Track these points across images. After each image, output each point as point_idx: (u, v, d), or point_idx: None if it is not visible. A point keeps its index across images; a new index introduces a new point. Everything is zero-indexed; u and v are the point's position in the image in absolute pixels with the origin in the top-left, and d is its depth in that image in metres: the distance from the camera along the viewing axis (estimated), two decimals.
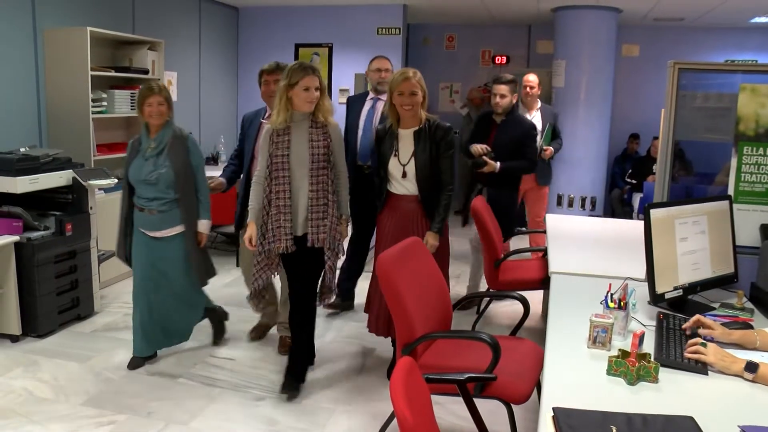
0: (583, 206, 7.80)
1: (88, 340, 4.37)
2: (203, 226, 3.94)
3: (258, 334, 4.49)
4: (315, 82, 3.38)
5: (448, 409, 3.43)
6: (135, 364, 3.96)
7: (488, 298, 4.89)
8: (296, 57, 8.27)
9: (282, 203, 3.44)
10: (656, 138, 8.94)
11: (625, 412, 1.79)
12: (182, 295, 4.00)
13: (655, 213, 2.64)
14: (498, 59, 9.50)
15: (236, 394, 3.68)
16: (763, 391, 2.02)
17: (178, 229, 3.85)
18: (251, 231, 3.53)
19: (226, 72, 8.40)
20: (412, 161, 3.65)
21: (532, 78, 5.97)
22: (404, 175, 3.67)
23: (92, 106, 5.36)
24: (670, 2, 7.11)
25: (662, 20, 8.38)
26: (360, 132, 4.70)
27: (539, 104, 6.03)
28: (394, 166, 3.70)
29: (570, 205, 7.84)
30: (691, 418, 1.76)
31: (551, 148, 5.85)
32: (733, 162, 3.18)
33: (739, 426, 1.70)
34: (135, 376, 3.83)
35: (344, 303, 5.04)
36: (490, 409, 2.76)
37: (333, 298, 3.82)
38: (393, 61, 7.88)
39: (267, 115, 4.04)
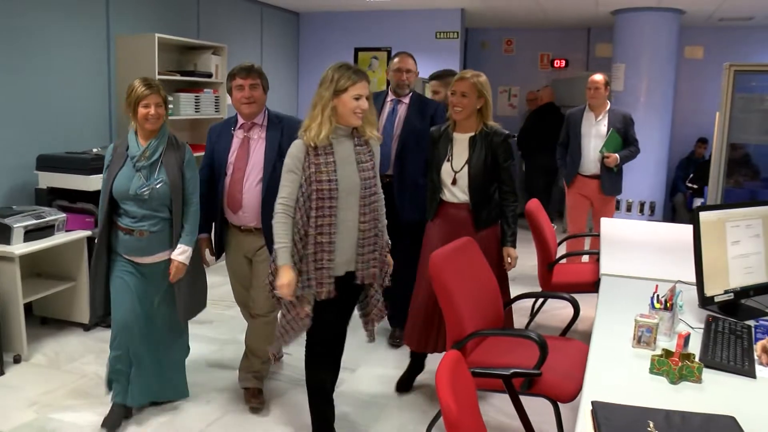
0: (642, 211, 7.70)
1: None
2: (184, 253, 3.23)
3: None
4: (367, 89, 2.84)
5: (496, 407, 3.48)
6: (115, 418, 3.30)
7: (541, 301, 4.90)
8: (356, 61, 8.41)
9: (326, 239, 2.81)
10: (700, 140, 8.78)
11: (664, 408, 1.83)
12: (167, 334, 3.41)
13: (704, 216, 2.64)
14: (557, 63, 9.46)
15: None
16: None
17: (166, 254, 3.25)
18: (289, 277, 2.80)
19: (286, 76, 8.61)
20: (465, 168, 3.48)
21: (597, 78, 5.51)
22: (454, 182, 3.51)
23: None
24: (737, 1, 6.96)
25: (728, 20, 8.20)
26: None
27: (608, 106, 5.55)
28: (445, 171, 3.54)
29: (629, 209, 7.75)
30: (733, 418, 1.78)
31: (615, 155, 5.38)
32: None
33: None
34: (195, 366, 3.98)
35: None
36: (538, 408, 2.80)
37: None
38: (451, 65, 8.00)
39: (239, 125, 3.44)
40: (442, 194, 3.59)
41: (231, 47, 6.78)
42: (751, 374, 2.14)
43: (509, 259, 3.56)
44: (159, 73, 5.50)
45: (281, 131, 3.38)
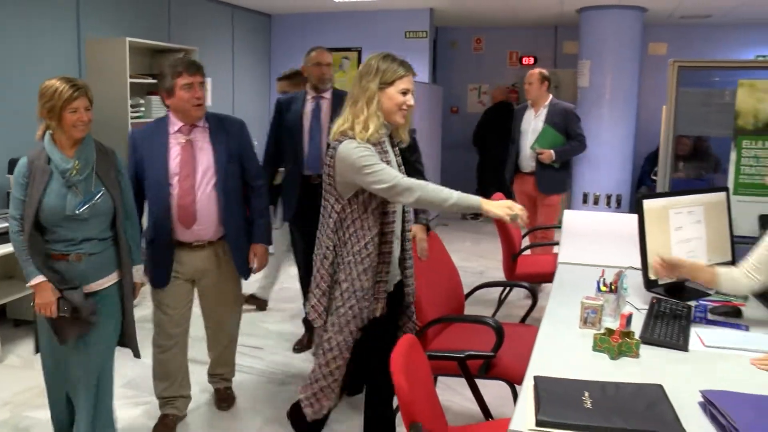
0: (608, 204, 7.89)
1: None
2: (138, 272, 2.88)
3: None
4: (413, 84, 2.56)
5: (461, 393, 3.61)
6: None
7: (507, 291, 5.04)
8: None
9: (388, 249, 2.58)
10: (682, 136, 9.00)
11: (600, 380, 1.97)
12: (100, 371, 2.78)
13: (648, 204, 2.80)
14: (525, 60, 9.64)
15: None
16: (729, 364, 2.17)
17: (114, 277, 2.76)
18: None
19: (258, 77, 8.70)
20: None
21: (531, 72, 5.47)
22: None
23: (131, 112, 5.67)
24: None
25: (689, 18, 8.42)
26: (306, 137, 3.98)
27: (547, 101, 5.42)
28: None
29: (595, 203, 7.94)
30: (660, 386, 1.92)
31: (550, 151, 5.23)
32: (732, 156, 3.32)
33: (699, 391, 1.86)
34: None
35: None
36: (500, 392, 2.94)
37: None
38: (421, 64, 8.13)
39: (178, 128, 3.05)
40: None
41: (202, 49, 6.86)
42: (684, 348, 2.29)
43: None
44: (130, 76, 5.58)
45: (226, 132, 3.12)
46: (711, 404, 1.77)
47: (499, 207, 2.46)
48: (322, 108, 4.03)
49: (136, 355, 2.92)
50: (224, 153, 3.07)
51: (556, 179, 5.42)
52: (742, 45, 8.74)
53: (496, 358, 2.82)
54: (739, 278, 2.52)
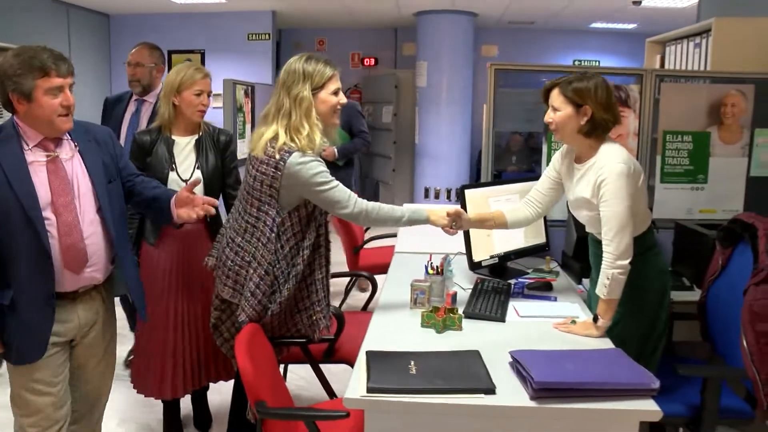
0: (449, 197, 8.36)
1: None
2: None
3: None
4: (339, 80, 2.55)
5: (311, 382, 3.78)
6: None
7: (352, 282, 5.28)
8: (170, 64, 8.40)
9: (327, 258, 2.65)
10: (515, 132, 9.67)
11: (425, 351, 2.21)
12: None
13: (470, 193, 3.10)
14: (367, 61, 9.97)
15: None
16: (537, 329, 2.50)
17: None
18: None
19: (98, 78, 8.41)
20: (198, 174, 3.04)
21: None
22: None
23: None
24: (519, 7, 7.77)
25: (516, 23, 9.08)
26: (122, 142, 3.62)
27: None
28: (173, 181, 3.01)
29: (437, 196, 8.39)
30: (477, 351, 2.19)
31: (332, 148, 5.19)
32: (544, 148, 3.72)
33: (509, 352, 2.14)
34: None
35: None
36: (345, 376, 3.13)
37: None
38: (264, 66, 8.21)
39: (38, 143, 2.24)
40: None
41: None
42: (502, 319, 2.60)
43: None
44: None
45: (97, 143, 2.42)
46: (516, 361, 2.06)
47: (442, 219, 2.66)
48: (141, 113, 3.78)
49: None
50: (101, 170, 2.38)
51: (339, 177, 5.60)
52: (560, 50, 9.54)
53: (338, 344, 3.01)
54: (521, 208, 2.92)
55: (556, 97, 2.58)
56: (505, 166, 8.73)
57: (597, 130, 2.53)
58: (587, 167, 2.57)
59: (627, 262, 2.40)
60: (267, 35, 8.33)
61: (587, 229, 2.76)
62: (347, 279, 5.25)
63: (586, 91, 2.50)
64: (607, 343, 2.36)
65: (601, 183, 2.46)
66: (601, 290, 2.43)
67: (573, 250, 3.39)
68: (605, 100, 2.51)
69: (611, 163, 2.46)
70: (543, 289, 3.02)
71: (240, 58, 8.08)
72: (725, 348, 2.76)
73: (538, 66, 3.92)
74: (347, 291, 5.15)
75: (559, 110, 2.56)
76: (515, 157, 4.82)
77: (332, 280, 2.72)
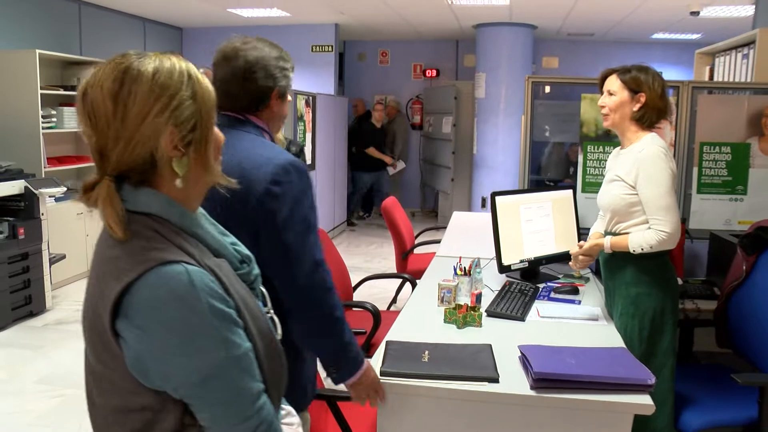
0: None
1: (40, 332, 4.86)
2: None
3: None
4: None
5: None
6: None
7: (401, 285, 5.47)
8: None
9: None
10: (573, 144, 9.70)
11: (439, 342, 2.40)
12: None
13: (500, 200, 3.27)
14: (428, 72, 10.18)
15: None
16: (553, 328, 2.65)
17: None
18: None
19: None
20: None
21: None
22: None
23: (42, 122, 5.85)
24: (578, 18, 7.84)
25: (575, 35, 9.14)
26: None
27: None
28: None
29: (483, 205, 8.50)
30: (489, 345, 2.36)
31: None
32: (580, 158, 3.85)
33: (518, 346, 2.31)
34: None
35: None
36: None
37: None
38: (327, 76, 8.52)
39: None
40: None
41: None
42: (522, 319, 2.75)
43: None
44: (41, 88, 5.77)
45: None
46: (522, 355, 2.23)
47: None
48: None
49: None
50: None
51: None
52: (621, 61, 9.28)
53: (374, 339, 3.22)
54: (600, 224, 3.02)
55: (613, 82, 2.77)
56: (563, 176, 8.80)
57: (646, 118, 2.69)
58: (628, 150, 2.74)
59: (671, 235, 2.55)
60: (330, 47, 8.65)
61: (601, 214, 2.96)
62: (398, 281, 5.45)
63: (644, 79, 2.69)
64: (617, 343, 2.50)
65: (639, 165, 2.62)
66: (632, 245, 2.60)
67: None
68: (660, 91, 2.69)
69: (650, 145, 2.63)
70: (569, 293, 3.16)
71: (303, 68, 8.41)
72: (755, 355, 2.80)
73: (575, 78, 4.06)
74: (397, 292, 5.37)
75: (614, 95, 2.73)
76: (573, 168, 4.95)
77: (382, 282, 2.85)
